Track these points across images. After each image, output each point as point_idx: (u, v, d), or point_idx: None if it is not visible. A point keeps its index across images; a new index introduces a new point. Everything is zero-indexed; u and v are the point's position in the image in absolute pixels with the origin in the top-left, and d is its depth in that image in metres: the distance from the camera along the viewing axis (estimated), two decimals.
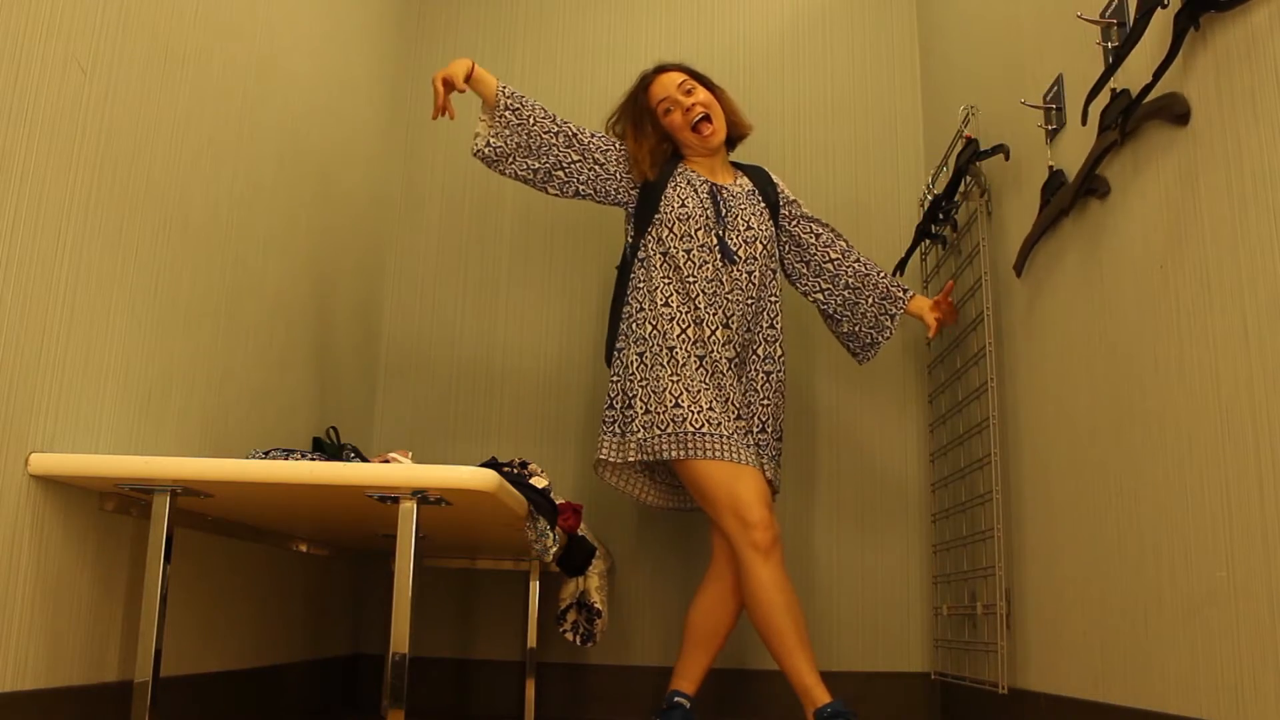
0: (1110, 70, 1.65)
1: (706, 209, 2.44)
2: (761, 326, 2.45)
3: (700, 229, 2.42)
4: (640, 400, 2.31)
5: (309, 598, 2.60)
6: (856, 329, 2.57)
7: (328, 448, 2.42)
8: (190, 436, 1.96)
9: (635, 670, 2.79)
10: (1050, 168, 1.97)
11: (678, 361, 2.30)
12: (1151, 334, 1.60)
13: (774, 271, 2.51)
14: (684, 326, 2.35)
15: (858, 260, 2.56)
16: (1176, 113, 1.49)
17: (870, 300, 2.54)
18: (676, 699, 2.35)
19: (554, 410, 3.02)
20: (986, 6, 2.46)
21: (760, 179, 2.60)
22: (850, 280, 2.55)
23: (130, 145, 1.75)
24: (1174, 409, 1.52)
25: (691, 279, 2.39)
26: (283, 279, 2.39)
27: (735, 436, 2.25)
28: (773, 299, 2.49)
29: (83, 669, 1.62)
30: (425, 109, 3.26)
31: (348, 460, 2.04)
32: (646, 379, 2.32)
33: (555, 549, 2.13)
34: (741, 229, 2.45)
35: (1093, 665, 1.80)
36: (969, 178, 2.46)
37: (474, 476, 1.54)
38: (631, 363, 2.36)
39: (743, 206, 2.49)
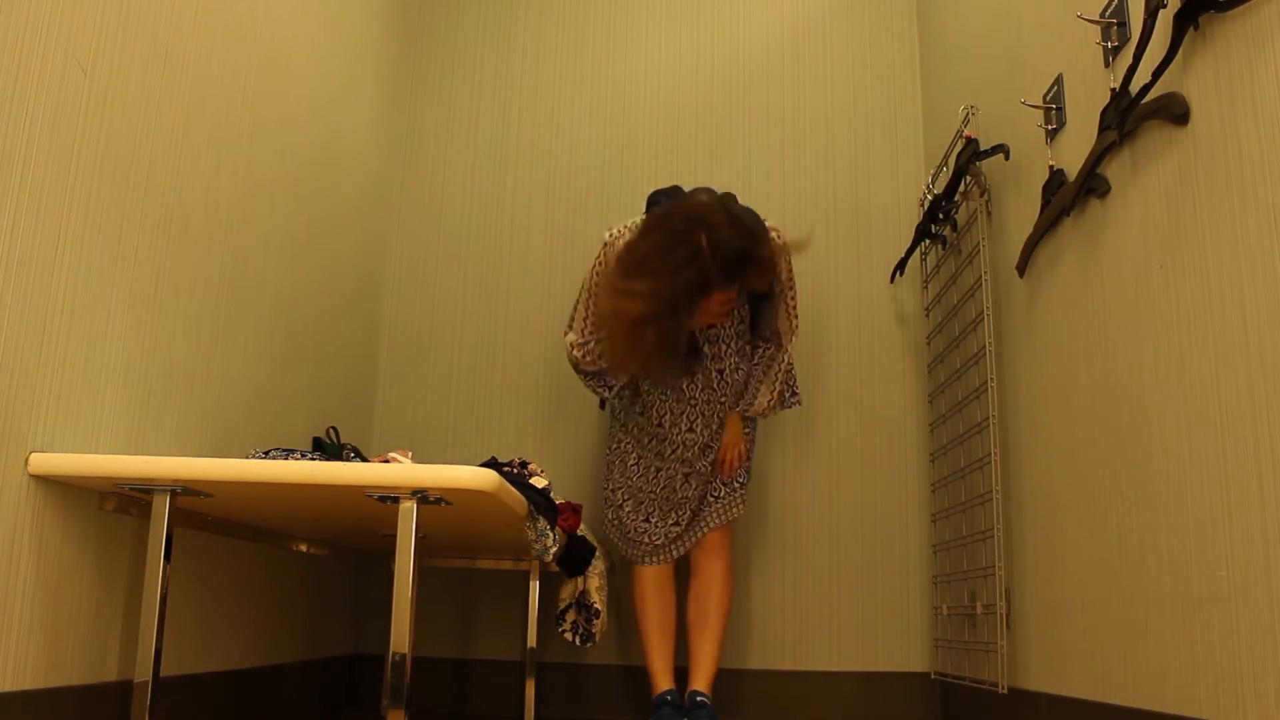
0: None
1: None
2: (717, 373, 2.42)
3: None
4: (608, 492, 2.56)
5: (309, 598, 2.60)
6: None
7: (328, 448, 2.42)
8: (190, 436, 1.96)
9: (635, 670, 2.79)
10: (1051, 167, 1.97)
11: (626, 464, 2.50)
12: (1151, 334, 1.60)
13: (739, 336, 2.43)
14: (641, 441, 2.49)
15: (762, 369, 2.49)
16: (1176, 112, 1.50)
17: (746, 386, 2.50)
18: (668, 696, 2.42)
19: (553, 410, 3.02)
20: (986, 6, 2.46)
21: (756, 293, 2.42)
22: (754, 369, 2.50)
23: (130, 145, 1.75)
24: (1174, 408, 1.52)
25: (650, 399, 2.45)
26: (283, 279, 2.38)
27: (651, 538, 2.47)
28: (735, 357, 2.43)
29: (83, 669, 1.62)
30: (425, 108, 3.27)
31: (348, 460, 2.04)
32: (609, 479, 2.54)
33: (555, 549, 2.13)
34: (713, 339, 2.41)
35: (1093, 665, 1.80)
36: (969, 178, 2.46)
37: (474, 476, 1.54)
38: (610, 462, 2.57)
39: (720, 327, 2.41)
